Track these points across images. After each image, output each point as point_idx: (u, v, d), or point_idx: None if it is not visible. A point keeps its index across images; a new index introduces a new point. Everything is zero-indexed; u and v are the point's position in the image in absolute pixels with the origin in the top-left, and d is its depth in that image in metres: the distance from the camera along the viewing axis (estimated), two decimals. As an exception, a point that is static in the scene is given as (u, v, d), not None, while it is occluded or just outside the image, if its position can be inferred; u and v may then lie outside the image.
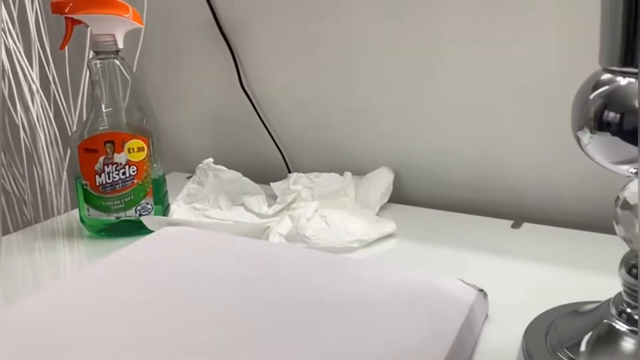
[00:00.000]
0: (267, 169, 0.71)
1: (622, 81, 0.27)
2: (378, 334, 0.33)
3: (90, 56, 0.53)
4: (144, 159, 0.54)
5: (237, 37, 0.70)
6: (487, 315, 0.39)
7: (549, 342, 0.33)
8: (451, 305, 0.37)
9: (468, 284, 0.39)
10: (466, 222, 0.57)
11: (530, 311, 0.39)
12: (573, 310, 0.35)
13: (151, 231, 0.54)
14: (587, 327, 0.32)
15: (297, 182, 0.60)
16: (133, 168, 0.53)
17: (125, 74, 0.53)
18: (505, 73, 0.57)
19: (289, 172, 0.69)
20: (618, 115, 0.26)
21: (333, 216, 0.54)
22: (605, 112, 0.27)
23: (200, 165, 0.62)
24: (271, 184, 0.64)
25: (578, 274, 0.45)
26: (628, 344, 0.30)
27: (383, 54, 0.62)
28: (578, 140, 0.29)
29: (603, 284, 0.36)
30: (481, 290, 0.39)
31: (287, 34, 0.67)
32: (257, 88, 0.71)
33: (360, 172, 0.63)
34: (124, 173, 0.53)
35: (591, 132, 0.28)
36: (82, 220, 0.56)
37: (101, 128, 0.53)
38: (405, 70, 0.61)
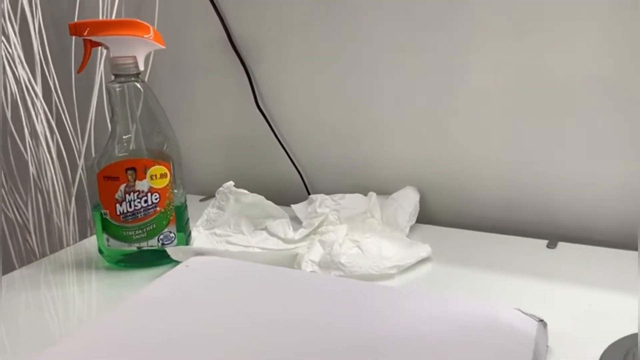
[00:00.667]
0: (285, 190, 0.69)
1: None
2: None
3: (110, 79, 0.51)
4: (167, 185, 0.51)
5: (251, 55, 0.68)
6: (547, 346, 0.38)
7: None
8: (516, 339, 0.35)
9: (527, 314, 0.37)
10: (499, 242, 0.56)
11: (589, 340, 0.37)
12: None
13: (174, 261, 0.52)
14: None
15: (322, 204, 0.58)
16: (155, 195, 0.51)
17: (147, 97, 0.51)
18: (533, 88, 0.55)
19: (308, 193, 0.67)
20: None
21: (365, 241, 0.52)
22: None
23: (221, 189, 0.60)
24: (292, 206, 0.62)
25: (627, 298, 0.44)
26: None
27: (404, 70, 0.60)
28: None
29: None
30: (541, 321, 0.37)
31: (302, 51, 0.65)
32: (272, 107, 0.69)
33: (383, 192, 0.62)
34: (145, 201, 0.51)
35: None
36: (100, 251, 0.53)
37: (120, 155, 0.51)
38: (428, 85, 0.60)
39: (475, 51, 0.57)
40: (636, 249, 0.51)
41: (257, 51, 0.68)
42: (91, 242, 0.59)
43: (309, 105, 0.67)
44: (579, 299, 0.44)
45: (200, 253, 0.50)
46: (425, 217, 0.61)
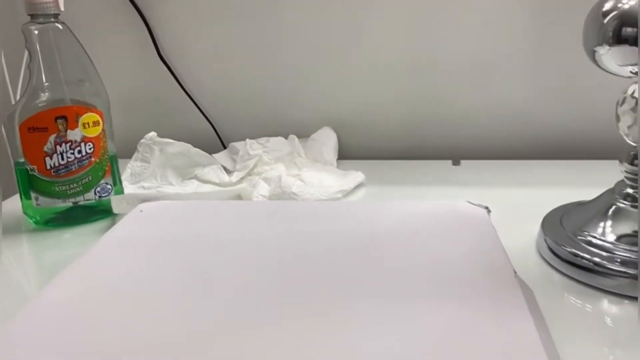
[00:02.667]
0: (198, 143, 0.68)
1: (627, 3, 0.34)
2: (434, 259, 0.36)
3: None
4: (100, 134, 0.49)
5: (150, 9, 0.65)
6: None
7: (567, 229, 0.39)
8: (478, 222, 0.41)
9: (475, 204, 0.44)
10: (412, 166, 0.63)
11: (516, 221, 0.45)
12: (577, 203, 0.43)
13: (107, 216, 0.50)
14: (598, 212, 0.39)
15: (252, 147, 0.59)
16: (89, 145, 0.48)
17: (69, 39, 0.47)
18: (435, 26, 0.63)
19: (223, 146, 0.68)
20: (634, 30, 0.33)
21: (305, 174, 0.55)
22: (623, 29, 0.33)
23: (143, 140, 0.58)
24: (214, 155, 0.62)
25: (531, 192, 0.53)
26: (631, 215, 0.37)
27: (312, 15, 0.64)
28: (593, 53, 0.35)
29: (557, 197, 0.45)
30: (486, 208, 0.44)
31: (204, 1, 0.65)
32: (176, 60, 0.67)
33: (298, 135, 0.65)
34: (79, 152, 0.48)
35: (610, 46, 0.34)
36: (26, 212, 0.49)
37: (42, 104, 0.47)
38: (336, 29, 0.64)
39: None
40: (523, 159, 0.62)
41: (156, 4, 0.65)
42: (12, 202, 0.54)
43: (214, 56, 0.67)
44: (480, 199, 0.53)
45: (147, 199, 0.48)
46: (342, 153, 0.66)
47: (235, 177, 0.57)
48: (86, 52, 0.48)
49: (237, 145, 0.62)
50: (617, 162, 0.39)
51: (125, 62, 0.68)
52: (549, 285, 0.37)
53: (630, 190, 0.38)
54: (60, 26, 0.47)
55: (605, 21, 0.34)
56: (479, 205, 0.44)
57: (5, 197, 0.55)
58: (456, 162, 0.62)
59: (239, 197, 0.53)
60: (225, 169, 0.60)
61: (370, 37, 0.64)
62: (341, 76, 0.66)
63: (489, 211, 0.44)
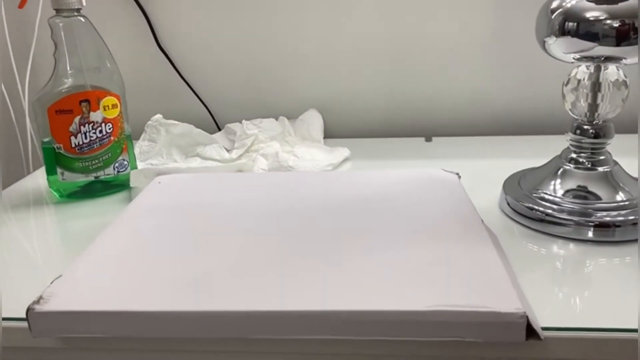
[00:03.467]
0: (196, 125, 0.74)
1: (571, 1, 0.42)
2: (416, 212, 0.44)
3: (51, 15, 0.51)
4: (118, 115, 0.54)
5: (147, -1, 0.71)
6: (463, 191, 0.53)
7: (523, 188, 0.48)
8: (451, 185, 0.49)
9: (448, 171, 0.52)
10: (389, 143, 0.70)
11: (482, 186, 0.53)
12: (531, 168, 0.51)
13: (124, 189, 0.56)
14: (548, 173, 0.47)
15: (248, 127, 0.66)
16: (109, 125, 0.54)
17: (90, 31, 0.53)
18: (409, 18, 0.70)
19: (218, 128, 0.74)
20: (575, 24, 0.41)
21: (298, 150, 0.62)
22: (566, 23, 0.41)
23: (150, 122, 0.64)
24: (213, 135, 0.69)
25: (498, 162, 0.62)
26: (579, 177, 0.46)
27: (300, 4, 0.70)
28: (544, 43, 0.43)
29: (515, 166, 0.53)
30: (457, 174, 0.52)
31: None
32: (174, 48, 0.73)
33: (287, 117, 0.72)
34: (100, 131, 0.53)
35: (556, 37, 0.42)
36: (51, 186, 0.54)
37: (64, 90, 0.52)
38: (320, 19, 0.71)
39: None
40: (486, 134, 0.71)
41: (152, -5, 0.71)
42: (33, 179, 0.59)
43: (208, 44, 0.73)
44: (457, 167, 0.61)
45: (162, 173, 0.55)
46: (326, 133, 0.73)
47: (235, 154, 0.63)
48: (104, 42, 0.54)
49: (233, 126, 0.68)
50: (563, 136, 0.47)
51: (127, 51, 0.73)
52: (510, 235, 0.45)
53: (574, 155, 0.47)
54: (82, 19, 0.52)
55: (553, 17, 0.42)
56: (451, 172, 0.52)
57: (11, 178, 0.61)
58: (428, 139, 0.70)
59: (240, 170, 0.59)
60: (224, 147, 0.66)
61: (351, 27, 0.71)
62: (325, 63, 0.72)
63: (459, 176, 0.53)
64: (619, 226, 0.43)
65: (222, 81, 0.74)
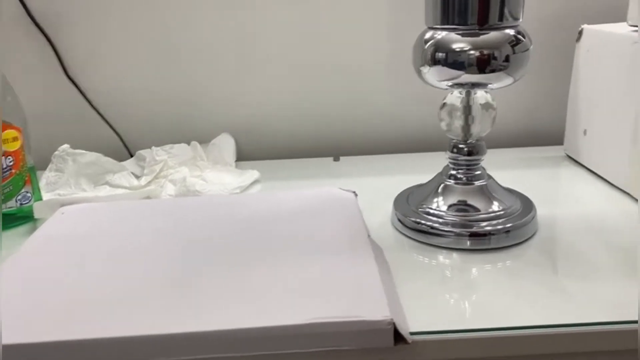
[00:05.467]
0: (107, 153, 0.75)
1: (441, 34, 0.46)
2: (309, 230, 0.47)
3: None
4: (19, 148, 0.54)
5: (53, 27, 0.71)
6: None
7: (411, 204, 0.52)
8: (345, 202, 0.52)
9: (345, 190, 0.55)
10: (298, 163, 0.73)
11: (379, 202, 0.56)
12: (418, 185, 0.55)
13: (25, 222, 0.56)
14: (432, 189, 0.52)
15: (157, 154, 0.67)
16: (10, 159, 0.54)
17: (-14, 65, 0.53)
18: (318, 41, 0.74)
19: (130, 154, 0.74)
20: (445, 54, 0.45)
21: (206, 175, 0.64)
22: (437, 53, 0.46)
23: (57, 152, 0.64)
24: (124, 162, 0.69)
25: (393, 178, 0.66)
26: (458, 191, 0.50)
27: (207, 28, 0.73)
28: (420, 72, 0.47)
29: (410, 181, 0.57)
30: (354, 192, 0.56)
31: (107, 19, 0.72)
32: (83, 77, 0.73)
33: (200, 141, 0.73)
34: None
35: (429, 66, 0.46)
36: (-50, 222, 0.53)
37: (-39, 123, 0.52)
38: (229, 40, 0.73)
39: (269, 10, 0.72)
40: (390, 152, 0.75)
41: (58, 23, 0.71)
42: None
43: (118, 71, 0.74)
44: (361, 185, 0.64)
45: (67, 203, 0.55)
46: (241, 155, 0.75)
47: (144, 180, 0.64)
48: (4, 75, 0.54)
49: (144, 152, 0.69)
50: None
51: (33, 81, 0.73)
52: (401, 248, 0.49)
53: (453, 172, 0.51)
54: (-23, 53, 0.52)
55: (426, 47, 0.46)
56: (348, 190, 0.56)
57: None
58: (337, 159, 0.74)
59: (148, 197, 0.60)
60: (133, 174, 0.67)
61: (260, 53, 0.74)
62: (236, 86, 0.75)
63: (356, 195, 0.56)
64: (493, 234, 0.48)
65: (133, 108, 0.75)
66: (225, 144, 0.72)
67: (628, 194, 0.56)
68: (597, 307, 0.39)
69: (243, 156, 0.76)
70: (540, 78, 0.75)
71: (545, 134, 0.75)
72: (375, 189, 0.61)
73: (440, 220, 0.49)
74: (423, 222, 0.49)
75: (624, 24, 0.58)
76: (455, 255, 0.48)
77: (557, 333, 0.37)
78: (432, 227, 0.49)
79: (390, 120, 0.77)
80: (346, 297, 0.36)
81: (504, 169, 0.67)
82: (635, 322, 0.37)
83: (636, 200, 0.54)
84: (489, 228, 0.48)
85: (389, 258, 0.46)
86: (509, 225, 0.48)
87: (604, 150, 0.60)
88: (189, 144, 0.71)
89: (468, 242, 0.48)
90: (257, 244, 0.45)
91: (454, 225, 0.48)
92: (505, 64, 0.45)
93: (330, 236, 0.45)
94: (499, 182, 0.53)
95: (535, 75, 0.75)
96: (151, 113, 0.75)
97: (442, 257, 0.47)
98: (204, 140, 0.73)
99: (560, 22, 0.71)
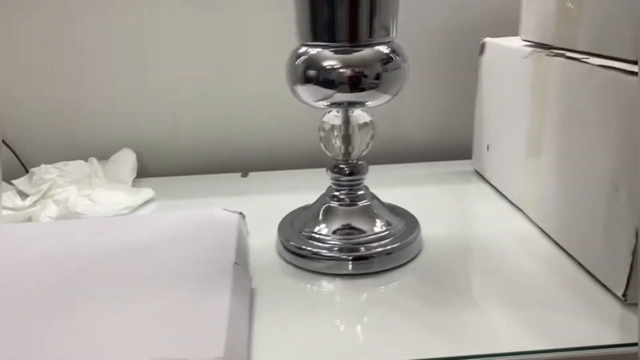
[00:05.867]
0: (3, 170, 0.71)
1: (313, 51, 0.44)
2: (174, 258, 0.44)
3: None
4: None
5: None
6: (248, 231, 0.54)
7: (295, 228, 0.49)
8: (223, 226, 0.50)
9: (231, 211, 0.53)
10: (204, 179, 0.70)
11: (268, 224, 0.54)
12: (303, 207, 0.53)
13: None
14: (315, 211, 0.49)
15: (46, 172, 0.63)
16: None
17: None
18: (220, 55, 0.71)
19: (26, 170, 0.70)
20: (316, 72, 0.43)
21: (96, 194, 0.61)
22: (308, 71, 0.43)
23: None
24: (13, 182, 0.65)
25: (300, 195, 0.63)
26: (340, 211, 0.48)
27: (105, 38, 0.69)
28: (294, 91, 0.45)
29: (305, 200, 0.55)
30: (241, 213, 0.53)
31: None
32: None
33: (102, 158, 0.70)
34: None
35: (302, 85, 0.44)
36: None
37: None
38: (130, 50, 0.70)
39: (172, 21, 0.69)
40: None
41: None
42: None
43: (13, 84, 0.70)
44: (270, 201, 0.62)
45: None
46: (144, 172, 0.72)
47: (28, 201, 0.60)
48: None
49: (36, 170, 0.65)
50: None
51: None
52: (279, 274, 0.46)
53: (336, 193, 0.49)
54: None
55: (297, 64, 0.44)
56: (233, 211, 0.53)
57: None
58: (245, 175, 0.71)
59: (30, 219, 0.57)
60: (26, 193, 0.63)
61: (164, 66, 0.71)
62: (138, 100, 0.72)
63: (243, 216, 0.54)
64: (375, 257, 0.46)
65: (30, 123, 0.71)
66: (125, 160, 0.68)
67: (523, 211, 0.55)
68: (469, 338, 0.37)
69: (147, 173, 0.72)
70: (451, 91, 0.74)
71: (458, 148, 0.74)
72: (277, 207, 0.57)
73: (323, 244, 0.47)
74: (304, 246, 0.47)
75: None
76: (337, 281, 0.45)
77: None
78: (313, 252, 0.46)
79: (301, 134, 0.74)
80: (181, 336, 0.33)
81: (410, 185, 0.66)
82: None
83: (530, 218, 0.53)
84: (370, 251, 0.46)
85: (264, 286, 0.44)
86: (389, 247, 0.46)
87: (503, 166, 0.59)
88: (86, 160, 0.68)
89: (350, 267, 0.46)
90: (105, 277, 0.41)
91: (336, 249, 0.46)
92: (376, 82, 0.43)
93: (191, 265, 0.42)
94: (404, 199, 0.52)
95: (445, 88, 0.74)
96: (49, 127, 0.71)
97: (322, 284, 0.45)
98: (105, 156, 0.70)
99: (467, 35, 0.70)
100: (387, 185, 0.65)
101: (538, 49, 0.50)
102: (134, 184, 0.68)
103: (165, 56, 0.70)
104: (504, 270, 0.46)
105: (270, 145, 0.75)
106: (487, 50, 0.62)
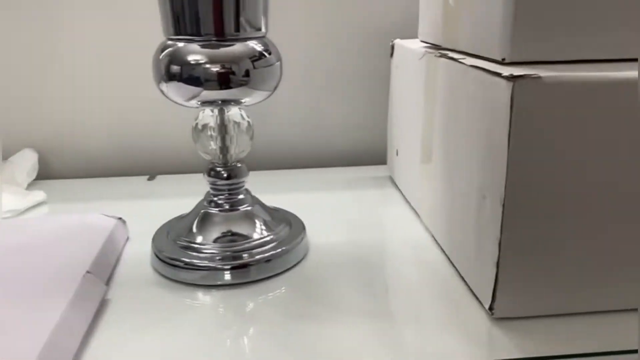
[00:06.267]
0: None
1: (179, 45, 0.41)
2: (32, 267, 0.41)
3: None
4: None
5: None
6: (128, 237, 0.51)
7: (171, 238, 0.46)
8: (95, 231, 0.46)
9: (109, 216, 0.50)
10: (108, 183, 0.67)
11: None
12: (179, 216, 0.50)
13: None
14: (192, 219, 0.46)
15: None
16: None
17: None
18: (124, 54, 0.68)
19: None
20: (179, 68, 0.40)
21: (-21, 196, 0.57)
22: (171, 67, 0.40)
23: None
24: None
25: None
26: (218, 217, 0.45)
27: (7, 36, 0.66)
28: (161, 90, 0.42)
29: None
30: (120, 219, 0.50)
31: None
32: None
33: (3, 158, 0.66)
34: None
35: (166, 82, 0.41)
36: None
37: None
38: (33, 53, 0.67)
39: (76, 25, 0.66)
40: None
41: None
42: None
43: None
44: (173, 205, 0.59)
45: None
46: (46, 173, 0.69)
47: None
48: None
49: None
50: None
51: None
52: (152, 286, 0.43)
53: (214, 198, 0.46)
54: None
55: (160, 58, 0.41)
56: (112, 216, 0.50)
57: None
58: (151, 178, 0.68)
59: None
60: None
61: (68, 67, 0.67)
62: (42, 99, 0.68)
63: (124, 222, 0.50)
64: (252, 265, 0.43)
65: None
66: (23, 162, 0.65)
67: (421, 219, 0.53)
68: (322, 356, 0.34)
69: (50, 175, 0.69)
70: (369, 94, 0.72)
71: (379, 153, 0.72)
72: (178, 211, 0.54)
73: (199, 254, 0.44)
74: (177, 257, 0.44)
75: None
76: (213, 292, 0.42)
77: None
78: (186, 263, 0.43)
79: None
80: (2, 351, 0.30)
81: (317, 190, 0.64)
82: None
83: (426, 226, 0.51)
84: (248, 259, 0.43)
85: (125, 297, 0.41)
86: (268, 254, 0.44)
87: (406, 172, 0.57)
88: (-17, 160, 0.64)
89: (227, 276, 0.43)
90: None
91: (218, 258, 0.43)
92: (245, 79, 0.40)
93: (41, 273, 0.39)
94: (306, 205, 0.50)
95: (363, 90, 0.71)
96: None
97: (196, 295, 0.42)
98: (6, 156, 0.66)
99: (382, 36, 0.68)
100: (293, 190, 0.63)
101: (430, 50, 0.47)
102: (33, 186, 0.64)
103: (69, 56, 0.67)
104: (386, 280, 0.43)
105: (177, 148, 0.72)
106: (396, 52, 0.60)
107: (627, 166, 0.33)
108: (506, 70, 0.33)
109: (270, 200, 0.53)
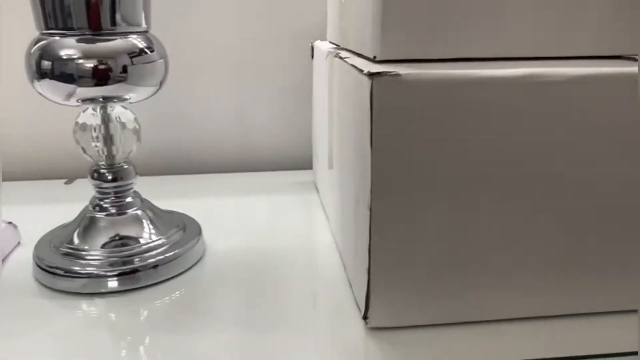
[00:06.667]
0: None
1: (52, 39, 0.39)
2: None
3: None
4: None
5: None
6: (19, 242, 0.48)
7: (53, 246, 0.43)
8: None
9: (6, 222, 0.47)
10: (27, 186, 0.64)
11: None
12: (63, 224, 0.47)
13: None
14: (76, 225, 0.44)
15: None
16: None
17: None
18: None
19: None
20: (50, 63, 0.38)
21: None
22: (42, 62, 0.38)
23: None
24: None
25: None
26: (104, 222, 0.43)
27: None
28: (35, 89, 0.40)
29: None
30: (10, 223, 0.48)
31: None
32: None
33: None
34: None
35: (39, 80, 0.39)
36: None
37: None
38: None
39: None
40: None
41: None
42: None
43: None
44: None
45: None
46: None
47: None
48: None
49: None
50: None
51: None
52: (31, 296, 0.41)
53: (100, 202, 0.44)
54: None
55: (32, 53, 0.39)
56: (3, 221, 0.48)
57: None
58: (70, 181, 0.66)
59: None
60: None
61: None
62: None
63: (15, 226, 0.48)
64: (140, 271, 0.41)
65: None
66: None
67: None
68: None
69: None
70: (296, 96, 0.70)
71: (307, 157, 0.70)
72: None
73: (82, 261, 0.41)
74: (57, 264, 0.41)
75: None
76: (96, 300, 0.40)
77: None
78: (66, 271, 0.41)
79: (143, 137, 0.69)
80: None
81: (232, 195, 0.62)
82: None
83: (332, 231, 0.49)
84: (134, 265, 0.41)
85: (3, 304, 0.39)
86: (155, 259, 0.42)
87: (321, 176, 0.55)
88: None
89: (112, 283, 0.41)
90: None
91: (107, 264, 0.41)
92: (123, 75, 0.39)
93: None
94: (216, 210, 0.47)
95: (291, 93, 0.70)
96: None
97: (78, 305, 0.40)
98: None
99: (309, 38, 0.66)
100: (206, 195, 0.60)
101: (330, 50, 0.46)
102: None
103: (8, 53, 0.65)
104: (277, 287, 0.41)
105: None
106: (315, 54, 0.58)
107: (493, 164, 0.32)
108: (373, 68, 0.31)
109: (178, 205, 0.51)
